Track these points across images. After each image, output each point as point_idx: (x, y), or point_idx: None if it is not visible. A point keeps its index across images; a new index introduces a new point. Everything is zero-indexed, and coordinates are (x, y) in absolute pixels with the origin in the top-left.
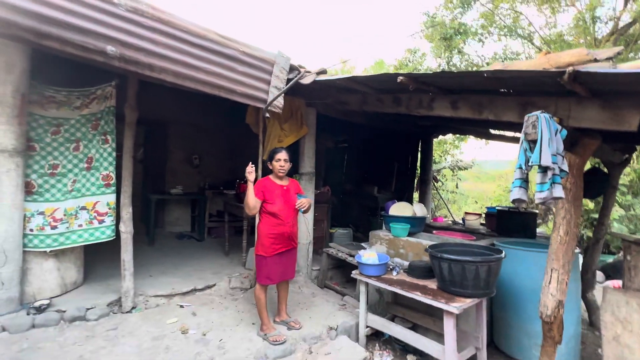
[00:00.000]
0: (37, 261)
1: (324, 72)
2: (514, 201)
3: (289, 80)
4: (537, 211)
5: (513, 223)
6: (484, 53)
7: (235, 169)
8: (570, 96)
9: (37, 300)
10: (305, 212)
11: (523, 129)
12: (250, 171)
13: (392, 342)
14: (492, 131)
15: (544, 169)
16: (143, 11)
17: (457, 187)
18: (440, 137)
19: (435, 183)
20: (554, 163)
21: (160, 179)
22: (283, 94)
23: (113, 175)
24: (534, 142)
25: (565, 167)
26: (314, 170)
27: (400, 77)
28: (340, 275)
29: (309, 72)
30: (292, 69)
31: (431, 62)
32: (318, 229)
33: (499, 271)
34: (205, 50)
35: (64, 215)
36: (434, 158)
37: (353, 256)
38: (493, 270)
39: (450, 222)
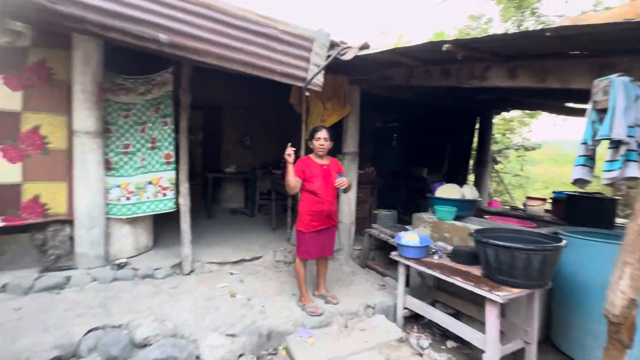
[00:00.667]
0: (116, 227)
1: (366, 46)
2: (575, 182)
3: (329, 58)
4: (617, 197)
5: (585, 210)
6: (567, 11)
7: (283, 150)
8: None
9: (117, 258)
10: (345, 191)
11: (591, 96)
12: (289, 153)
13: (432, 326)
14: (570, 105)
15: (615, 144)
16: None
17: (522, 169)
18: (504, 114)
19: (495, 165)
20: (629, 136)
21: (216, 159)
22: (323, 71)
23: (173, 154)
24: (605, 111)
25: None
26: (357, 150)
27: (446, 45)
28: (382, 257)
29: (350, 47)
30: (333, 45)
31: (498, 28)
32: (361, 210)
33: (557, 262)
34: (246, 32)
35: (135, 188)
36: (494, 137)
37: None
38: (549, 260)
39: (508, 207)
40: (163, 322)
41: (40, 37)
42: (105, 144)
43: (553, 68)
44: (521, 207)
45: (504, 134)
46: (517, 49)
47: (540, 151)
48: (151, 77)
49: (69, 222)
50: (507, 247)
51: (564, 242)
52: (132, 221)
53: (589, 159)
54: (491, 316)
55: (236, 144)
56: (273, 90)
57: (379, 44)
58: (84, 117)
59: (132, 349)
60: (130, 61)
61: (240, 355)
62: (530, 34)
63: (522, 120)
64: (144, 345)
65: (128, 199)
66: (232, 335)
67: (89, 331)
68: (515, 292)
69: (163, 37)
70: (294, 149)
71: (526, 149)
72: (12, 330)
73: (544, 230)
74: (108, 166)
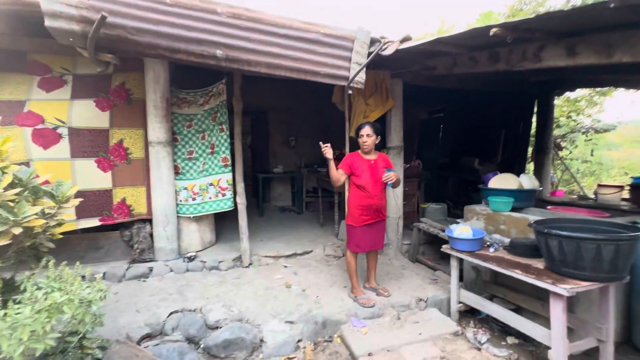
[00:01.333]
0: (185, 224)
1: (408, 39)
2: None
3: (370, 55)
4: None
5: None
6: None
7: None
8: None
9: (188, 252)
10: (394, 186)
11: None
12: (325, 150)
13: (490, 321)
14: None
15: None
16: (240, 15)
17: (592, 154)
18: (568, 94)
19: (559, 151)
20: None
21: (264, 160)
22: (364, 69)
23: (229, 157)
24: None
25: None
26: (402, 144)
27: (494, 29)
28: (432, 251)
29: (390, 42)
30: (373, 41)
31: (556, 0)
32: (409, 204)
33: (633, 253)
34: (290, 39)
35: (199, 189)
36: (557, 121)
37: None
38: (623, 251)
39: (574, 197)
40: (230, 307)
41: (119, 63)
42: (174, 152)
43: (621, 41)
44: (591, 196)
45: (569, 116)
46: (576, 25)
47: (617, 133)
48: (208, 90)
49: (149, 220)
50: (572, 237)
51: None
52: (198, 219)
53: None
54: (556, 310)
55: (282, 145)
56: (313, 91)
57: (422, 34)
58: (157, 129)
59: (206, 329)
60: (187, 76)
61: (299, 341)
62: (591, 8)
63: (592, 100)
64: (215, 327)
65: (194, 199)
66: (291, 322)
67: (171, 313)
68: (584, 285)
69: (220, 52)
70: (327, 144)
71: (597, 131)
72: (113, 311)
73: (618, 220)
74: (176, 171)
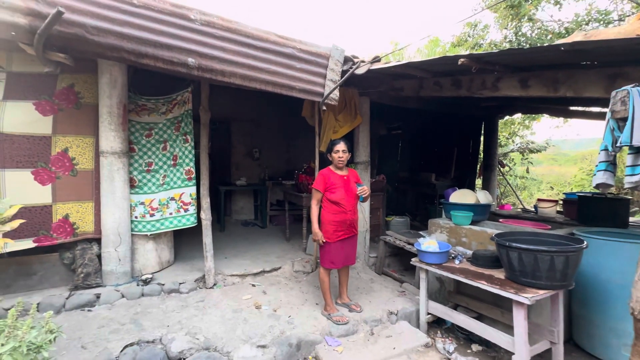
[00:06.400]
0: (141, 243)
1: (377, 60)
2: (597, 186)
3: (344, 72)
4: (629, 197)
5: (598, 211)
6: (562, 16)
7: (293, 160)
8: None
9: (143, 274)
10: (364, 200)
11: (610, 106)
12: (315, 238)
13: (455, 330)
14: (572, 108)
15: (636, 150)
16: (214, 23)
17: (527, 171)
18: (508, 117)
19: (502, 168)
20: None
21: (226, 172)
22: (338, 87)
23: (193, 170)
24: (624, 120)
25: None
26: (369, 159)
27: (462, 60)
28: (397, 263)
29: (363, 61)
30: (347, 60)
31: (495, 35)
32: (374, 217)
33: (579, 263)
34: (267, 52)
35: (159, 204)
36: (499, 141)
37: (411, 244)
38: (572, 262)
39: (519, 210)
40: (195, 335)
41: (73, 64)
42: (130, 163)
43: (566, 78)
44: (531, 209)
45: (508, 137)
46: (529, 61)
47: (539, 152)
48: (172, 97)
49: (96, 240)
50: (530, 250)
51: (585, 243)
52: (156, 237)
53: (610, 164)
54: (519, 318)
55: (245, 157)
56: (278, 103)
57: (392, 33)
58: (111, 138)
59: None
60: (149, 81)
61: None
62: (546, 49)
63: (523, 123)
64: (179, 359)
65: (152, 215)
66: (263, 347)
67: (125, 347)
68: (541, 293)
69: (192, 61)
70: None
71: (531, 151)
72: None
73: (559, 232)
74: (132, 184)
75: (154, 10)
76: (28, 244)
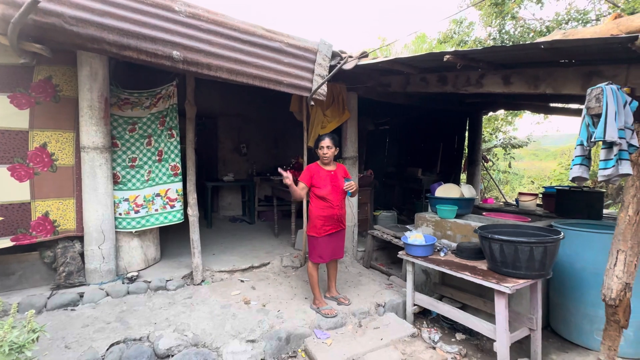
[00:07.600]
0: (125, 240)
1: (365, 55)
2: (573, 179)
3: (331, 67)
4: (603, 190)
5: (575, 203)
6: (544, 15)
7: (281, 155)
8: None
9: (128, 272)
10: (352, 195)
11: (585, 103)
12: (286, 177)
13: (440, 320)
14: (552, 104)
15: (609, 145)
16: (200, 15)
17: (509, 166)
18: (491, 113)
19: (485, 163)
20: (621, 138)
21: (213, 168)
22: (326, 82)
23: (179, 165)
24: (598, 116)
25: (635, 142)
26: (357, 154)
27: (447, 56)
28: (385, 257)
29: (350, 57)
30: (334, 55)
31: (480, 32)
32: (362, 212)
33: (556, 253)
34: (254, 46)
35: (144, 201)
36: (483, 137)
37: (398, 238)
38: (549, 252)
39: (501, 203)
40: (183, 332)
41: (50, 55)
42: (113, 159)
43: (546, 75)
44: (513, 202)
45: (492, 133)
46: (512, 59)
47: (521, 148)
48: (156, 91)
49: (79, 238)
50: (511, 241)
51: (562, 234)
52: (141, 234)
53: (585, 159)
54: (500, 307)
55: (232, 152)
56: (266, 97)
57: (380, 27)
58: (93, 132)
59: None
60: (133, 74)
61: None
62: (526, 47)
63: (505, 119)
64: (167, 356)
65: (137, 212)
66: (252, 341)
67: (111, 346)
68: (521, 282)
69: (176, 53)
70: (289, 175)
71: (513, 146)
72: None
73: (539, 224)
74: (115, 180)
75: (136, 0)
76: (5, 242)
